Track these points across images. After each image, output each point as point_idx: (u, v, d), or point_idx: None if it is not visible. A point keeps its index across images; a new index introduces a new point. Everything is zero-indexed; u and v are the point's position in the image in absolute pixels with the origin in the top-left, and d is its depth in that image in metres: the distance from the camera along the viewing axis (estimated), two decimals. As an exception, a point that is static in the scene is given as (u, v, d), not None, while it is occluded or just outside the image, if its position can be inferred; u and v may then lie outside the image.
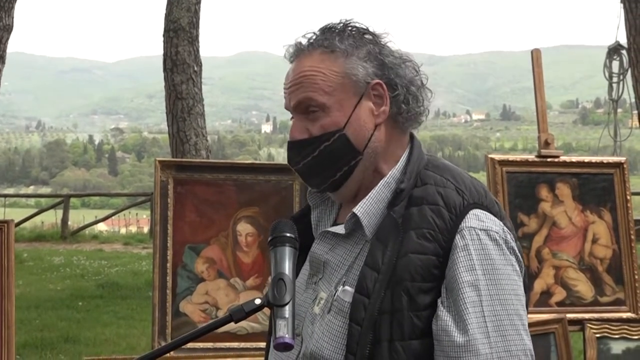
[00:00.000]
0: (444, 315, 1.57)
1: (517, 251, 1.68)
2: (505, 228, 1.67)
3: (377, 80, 1.70)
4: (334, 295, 1.67)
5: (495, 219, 1.67)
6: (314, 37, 1.74)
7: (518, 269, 1.66)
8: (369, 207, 1.69)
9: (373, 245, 1.64)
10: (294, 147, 1.74)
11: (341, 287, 1.67)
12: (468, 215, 1.64)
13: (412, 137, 1.79)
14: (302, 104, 1.71)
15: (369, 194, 1.70)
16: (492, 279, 1.59)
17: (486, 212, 1.66)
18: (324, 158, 1.71)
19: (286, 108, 1.75)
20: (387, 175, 1.72)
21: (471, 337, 1.54)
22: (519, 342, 1.57)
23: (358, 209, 1.68)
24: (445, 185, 1.68)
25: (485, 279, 1.58)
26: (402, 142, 1.77)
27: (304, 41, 1.75)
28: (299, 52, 1.75)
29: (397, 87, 1.71)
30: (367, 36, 1.73)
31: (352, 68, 1.69)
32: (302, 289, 1.78)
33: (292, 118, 1.76)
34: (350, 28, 1.74)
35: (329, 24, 1.75)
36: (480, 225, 1.63)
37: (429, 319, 1.59)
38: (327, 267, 1.73)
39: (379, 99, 1.71)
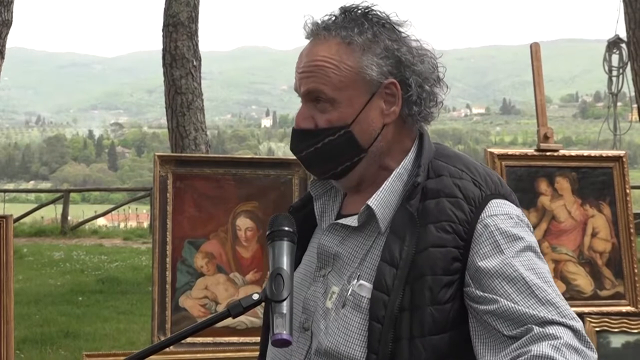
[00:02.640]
0: (492, 301, 1.53)
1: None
2: (523, 213, 1.69)
3: (392, 80, 1.66)
4: (349, 289, 1.64)
5: (514, 205, 1.68)
6: (333, 21, 1.69)
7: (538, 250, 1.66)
8: (382, 200, 1.66)
9: (389, 240, 1.62)
10: (298, 136, 1.71)
11: (355, 280, 1.64)
12: (487, 205, 1.63)
13: (421, 129, 1.76)
14: (311, 94, 1.68)
15: (383, 186, 1.68)
16: (522, 256, 1.58)
17: (505, 200, 1.67)
18: (327, 151, 1.68)
19: (295, 90, 1.72)
20: (399, 167, 1.70)
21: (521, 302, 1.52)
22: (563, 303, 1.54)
23: (372, 202, 1.66)
24: (462, 177, 1.66)
25: (517, 257, 1.57)
26: (409, 138, 1.74)
27: (323, 24, 1.69)
28: (315, 34, 1.70)
29: (411, 87, 1.67)
30: (387, 27, 1.68)
31: (367, 66, 1.65)
32: (309, 282, 1.75)
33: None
34: (371, 16, 1.68)
35: (350, 6, 1.70)
36: (501, 211, 1.64)
37: (450, 312, 1.58)
38: (337, 260, 1.70)
39: (391, 97, 1.68)
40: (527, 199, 3.59)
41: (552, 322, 1.48)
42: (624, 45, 10.03)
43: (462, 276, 1.59)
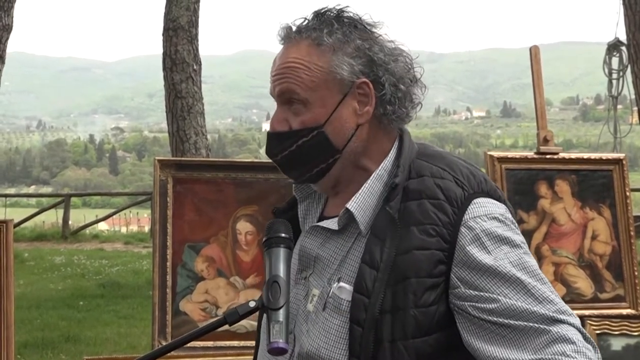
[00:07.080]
0: (486, 305, 1.54)
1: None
2: (507, 210, 1.67)
3: (364, 79, 1.65)
4: (329, 291, 1.64)
5: (497, 202, 1.66)
6: (304, 25, 1.69)
7: (526, 247, 1.66)
8: (362, 202, 1.65)
9: (370, 242, 1.61)
10: (273, 139, 1.71)
11: (336, 283, 1.63)
12: (470, 206, 1.62)
13: (401, 129, 1.74)
14: (284, 95, 1.68)
15: (362, 188, 1.67)
16: (512, 256, 1.58)
17: (487, 198, 1.65)
18: (302, 153, 1.67)
19: (271, 95, 1.72)
20: (379, 168, 1.69)
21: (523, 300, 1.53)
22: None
23: (352, 204, 1.65)
24: (443, 177, 1.65)
25: (506, 258, 1.57)
26: (388, 138, 1.72)
27: (294, 27, 1.70)
28: (287, 39, 1.70)
29: (384, 86, 1.65)
30: (359, 27, 1.67)
31: (338, 65, 1.64)
32: (292, 284, 1.72)
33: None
34: (343, 17, 1.68)
35: (322, 9, 1.70)
36: (485, 211, 1.62)
37: (435, 315, 1.57)
38: (318, 262, 1.70)
39: (364, 97, 1.66)
40: (527, 201, 3.59)
41: (556, 320, 1.50)
42: (624, 48, 10.03)
43: (447, 279, 1.58)
